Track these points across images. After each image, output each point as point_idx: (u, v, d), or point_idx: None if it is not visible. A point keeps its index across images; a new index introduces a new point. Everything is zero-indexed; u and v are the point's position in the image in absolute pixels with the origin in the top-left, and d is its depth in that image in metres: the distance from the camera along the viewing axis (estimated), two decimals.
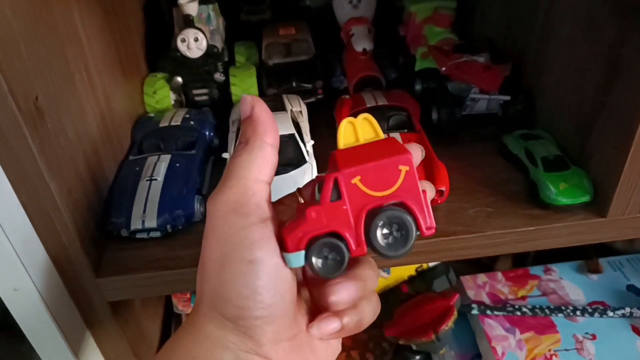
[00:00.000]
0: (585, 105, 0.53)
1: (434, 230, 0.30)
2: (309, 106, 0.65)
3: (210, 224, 0.30)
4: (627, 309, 0.69)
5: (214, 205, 0.29)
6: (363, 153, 0.30)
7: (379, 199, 0.29)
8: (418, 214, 0.29)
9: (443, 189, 0.51)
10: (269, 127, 0.31)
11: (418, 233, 0.30)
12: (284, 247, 0.29)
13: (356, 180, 0.29)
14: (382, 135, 0.31)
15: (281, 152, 0.55)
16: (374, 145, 0.31)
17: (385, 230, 0.29)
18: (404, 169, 0.29)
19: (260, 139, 0.30)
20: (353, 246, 0.29)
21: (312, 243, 0.29)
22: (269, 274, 0.29)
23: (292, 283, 0.30)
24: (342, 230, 0.29)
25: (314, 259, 0.29)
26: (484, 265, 0.85)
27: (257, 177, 0.30)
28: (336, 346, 0.35)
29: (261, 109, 0.31)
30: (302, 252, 0.29)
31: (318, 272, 0.30)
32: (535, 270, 0.78)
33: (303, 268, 0.34)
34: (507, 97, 0.64)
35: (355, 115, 0.61)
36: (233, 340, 0.29)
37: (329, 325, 0.31)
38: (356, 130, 0.31)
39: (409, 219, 0.29)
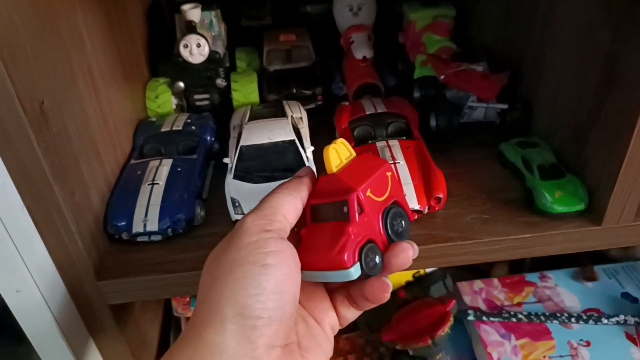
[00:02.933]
0: (581, 114, 0.54)
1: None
2: (309, 112, 0.66)
3: (233, 235, 0.33)
4: (622, 317, 0.70)
5: (243, 222, 0.33)
6: (357, 171, 0.36)
7: (383, 203, 0.36)
8: (406, 206, 0.38)
9: (440, 196, 0.52)
10: (309, 191, 0.37)
11: None
12: (335, 266, 0.34)
13: (369, 192, 0.35)
14: (354, 153, 0.38)
15: (281, 157, 0.56)
16: (360, 162, 0.37)
17: (395, 224, 0.36)
18: (389, 174, 0.37)
19: (299, 192, 0.36)
20: (381, 245, 0.35)
21: (361, 254, 0.34)
22: (277, 281, 0.31)
23: (296, 297, 0.33)
24: (373, 235, 0.35)
25: (364, 265, 0.34)
26: (481, 271, 0.86)
27: (285, 214, 0.34)
28: (327, 353, 0.37)
29: (310, 180, 0.37)
30: (358, 263, 0.34)
31: (371, 273, 0.34)
32: (531, 277, 0.79)
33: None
34: (505, 106, 0.65)
35: (354, 123, 0.62)
36: (230, 344, 0.30)
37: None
38: (338, 152, 0.37)
39: (404, 212, 0.37)
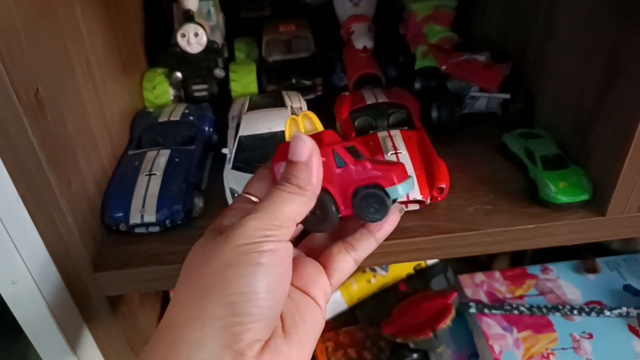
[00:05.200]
0: (585, 104, 0.54)
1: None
2: (309, 103, 0.65)
3: (229, 234, 0.32)
4: (624, 309, 0.70)
5: (244, 225, 0.31)
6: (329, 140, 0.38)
7: None
8: None
9: (443, 186, 0.51)
10: (321, 178, 0.35)
11: None
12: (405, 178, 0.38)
13: None
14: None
15: None
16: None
17: None
18: None
19: (314, 191, 0.34)
20: None
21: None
22: (270, 281, 0.31)
23: (287, 294, 0.33)
24: None
25: None
26: (482, 264, 0.85)
27: (295, 219, 0.33)
28: (315, 324, 0.35)
29: (318, 159, 0.34)
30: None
31: None
32: (533, 269, 0.78)
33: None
34: (507, 96, 0.64)
35: (354, 113, 0.62)
36: (214, 336, 0.29)
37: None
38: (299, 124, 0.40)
39: None
